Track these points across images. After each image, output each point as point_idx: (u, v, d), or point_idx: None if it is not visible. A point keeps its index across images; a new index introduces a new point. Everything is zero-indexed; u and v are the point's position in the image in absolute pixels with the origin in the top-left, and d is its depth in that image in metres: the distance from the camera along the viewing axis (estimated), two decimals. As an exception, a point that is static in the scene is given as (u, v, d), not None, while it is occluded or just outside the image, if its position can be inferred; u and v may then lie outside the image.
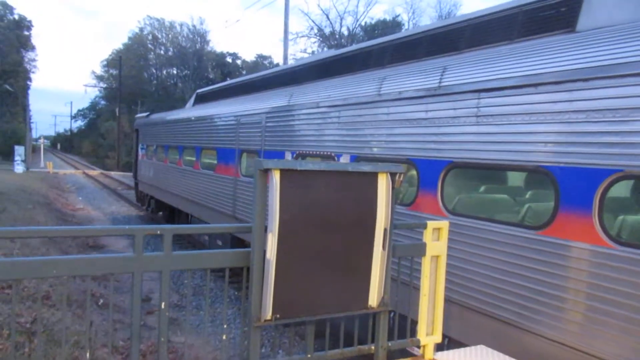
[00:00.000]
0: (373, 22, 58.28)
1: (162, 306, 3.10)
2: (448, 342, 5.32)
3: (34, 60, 73.62)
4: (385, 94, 6.23)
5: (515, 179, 5.31)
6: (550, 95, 4.30)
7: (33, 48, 72.37)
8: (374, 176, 3.53)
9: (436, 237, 4.16)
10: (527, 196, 5.06)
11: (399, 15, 59.83)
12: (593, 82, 3.99)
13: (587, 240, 4.01)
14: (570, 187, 4.14)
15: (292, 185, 3.21)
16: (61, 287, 8.03)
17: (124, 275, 6.79)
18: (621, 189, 4.04)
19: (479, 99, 4.96)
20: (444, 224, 4.16)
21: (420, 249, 4.07)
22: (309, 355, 3.64)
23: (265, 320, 3.24)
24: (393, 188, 3.58)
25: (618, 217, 4.06)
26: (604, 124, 3.91)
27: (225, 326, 3.33)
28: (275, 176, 3.15)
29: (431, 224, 4.09)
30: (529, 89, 4.48)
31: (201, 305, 10.17)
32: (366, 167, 3.50)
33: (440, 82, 5.46)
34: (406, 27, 55.86)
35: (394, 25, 55.94)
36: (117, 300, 9.65)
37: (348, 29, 57.60)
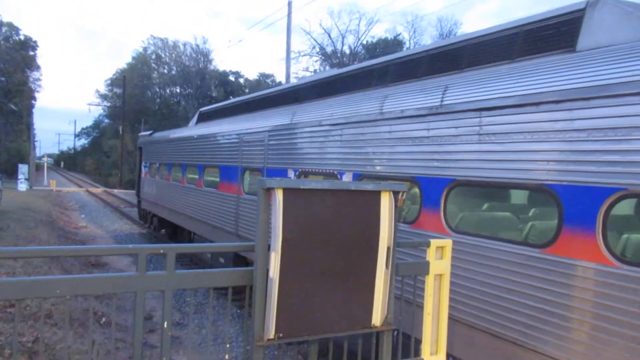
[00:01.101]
0: (375, 40, 58.87)
1: (165, 325, 3.09)
2: (452, 361, 5.27)
3: (38, 79, 74.20)
4: (388, 112, 6.27)
5: (518, 197, 5.31)
6: (551, 114, 4.33)
7: (38, 68, 73.02)
8: (377, 195, 3.54)
9: (439, 256, 4.16)
10: (531, 214, 5.05)
11: (400, 34, 60.40)
12: (593, 102, 4.02)
13: (591, 259, 4.00)
14: (573, 206, 4.14)
15: (295, 204, 3.22)
16: (63, 306, 8.01)
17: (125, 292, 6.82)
18: (625, 207, 4.04)
19: (480, 117, 4.99)
20: (448, 242, 4.16)
21: (424, 268, 4.06)
22: (312, 376, 3.62)
23: (269, 340, 3.23)
24: (396, 207, 3.59)
25: (622, 235, 4.05)
26: (605, 142, 3.93)
27: (227, 345, 3.30)
28: (279, 195, 3.17)
29: (435, 242, 4.09)
30: (530, 108, 4.51)
31: (203, 324, 10.11)
32: (369, 186, 3.51)
33: (442, 101, 5.50)
34: (407, 45, 56.37)
35: (395, 44, 56.44)
36: (119, 319, 9.60)
37: (350, 47, 58.21)
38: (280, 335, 3.26)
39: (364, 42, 58.29)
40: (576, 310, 4.13)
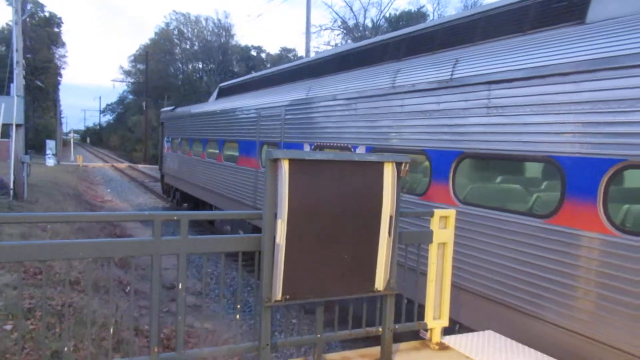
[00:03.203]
0: (397, 13, 57.91)
1: (180, 287, 3.32)
2: (459, 329, 5.44)
3: (64, 56, 75.29)
4: (400, 86, 6.34)
5: (525, 168, 5.38)
6: (558, 87, 4.37)
7: (63, 44, 74.06)
8: (380, 165, 3.67)
9: (443, 225, 4.29)
10: (536, 186, 5.13)
11: (423, 6, 59.32)
12: (598, 74, 4.06)
13: (592, 229, 4.09)
14: (575, 177, 4.22)
15: (300, 174, 3.38)
16: (89, 273, 8.41)
17: (148, 263, 7.15)
18: (625, 178, 4.11)
19: (489, 90, 5.05)
20: (451, 212, 4.29)
21: (427, 237, 4.21)
22: (318, 336, 3.83)
23: (276, 301, 3.43)
24: (399, 177, 3.72)
25: (622, 205, 4.13)
26: (608, 114, 3.98)
27: (238, 306, 3.53)
28: (285, 165, 3.33)
29: (438, 212, 4.22)
30: (537, 81, 4.56)
31: (222, 292, 10.49)
32: (372, 157, 3.65)
33: (452, 74, 5.56)
34: (431, 18, 55.31)
35: (419, 16, 55.40)
36: (142, 287, 10.02)
37: (372, 20, 57.34)
38: (287, 297, 3.46)
39: (387, 15, 57.38)
40: (577, 278, 4.24)
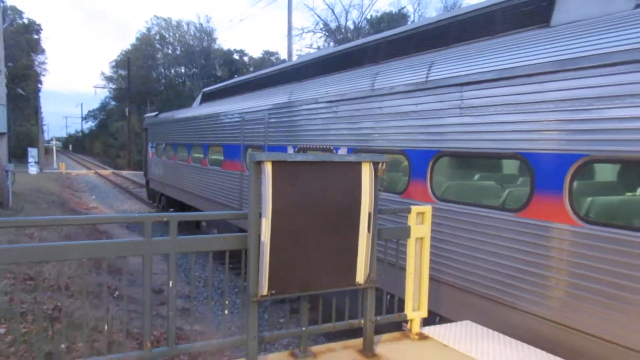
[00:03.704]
0: (379, 15, 58.36)
1: (170, 284, 3.49)
2: (440, 320, 5.67)
3: (43, 63, 74.50)
4: (378, 89, 6.58)
5: (497, 165, 5.63)
6: (524, 87, 4.63)
7: (43, 51, 73.24)
8: (358, 165, 3.89)
9: (420, 221, 4.52)
10: (508, 181, 5.39)
11: (404, 7, 59.82)
12: (560, 74, 4.32)
13: (559, 220, 4.35)
14: (543, 172, 4.48)
15: (283, 175, 3.57)
16: (79, 279, 8.52)
17: (137, 269, 7.28)
18: (588, 172, 4.38)
19: (462, 91, 5.30)
20: (427, 209, 4.51)
21: (405, 232, 4.43)
22: (303, 328, 4.03)
23: (262, 296, 3.62)
24: (376, 176, 3.94)
25: (586, 198, 4.39)
26: (571, 112, 4.24)
27: (226, 302, 3.71)
28: (268, 167, 3.52)
29: (415, 209, 4.45)
30: (505, 82, 4.82)
31: (210, 294, 10.63)
32: (351, 157, 3.86)
33: (427, 77, 5.80)
34: (412, 19, 55.87)
35: (400, 17, 55.90)
36: (132, 293, 10.12)
37: (354, 22, 57.71)
38: (273, 292, 3.65)
39: (368, 17, 57.82)
40: (547, 267, 4.50)
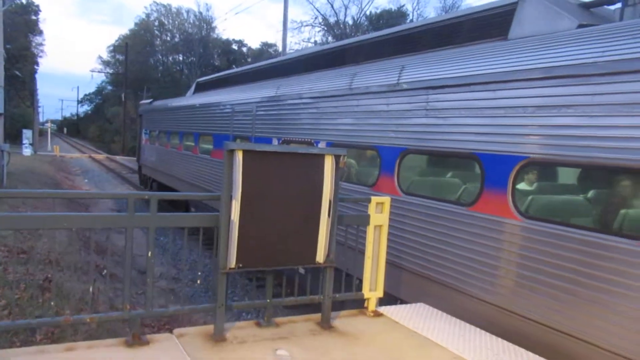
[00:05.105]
0: (378, 11, 58.67)
1: (149, 254, 3.97)
2: (399, 303, 6.18)
3: (41, 44, 74.30)
4: (356, 88, 7.06)
5: (456, 163, 6.13)
6: (480, 94, 5.13)
7: (40, 32, 73.07)
8: (321, 157, 4.37)
9: (380, 210, 5.00)
10: (464, 178, 5.89)
11: (403, 5, 60.17)
12: (509, 84, 4.82)
13: (503, 215, 4.86)
14: (491, 171, 4.99)
15: (252, 163, 4.04)
16: (69, 256, 8.97)
17: (122, 251, 7.75)
18: (528, 172, 4.88)
19: (427, 95, 5.79)
20: (386, 199, 5.00)
21: (364, 219, 4.92)
22: (268, 300, 4.52)
23: (230, 268, 4.11)
24: (337, 168, 4.42)
25: (526, 195, 4.90)
26: (517, 118, 4.74)
27: (199, 273, 4.18)
28: (239, 155, 3.99)
29: (375, 199, 4.94)
30: (463, 88, 5.31)
31: (195, 279, 11.12)
32: (314, 150, 4.35)
33: (398, 79, 6.28)
34: (410, 17, 56.23)
35: (399, 15, 56.21)
36: (117, 272, 10.58)
37: (353, 18, 58.01)
38: (240, 265, 4.13)
39: (367, 14, 58.13)
40: (492, 257, 5.00)
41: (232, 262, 4.08)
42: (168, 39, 79.20)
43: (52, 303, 4.61)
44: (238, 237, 4.05)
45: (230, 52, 76.39)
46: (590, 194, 4.67)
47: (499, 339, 4.52)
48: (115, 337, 4.07)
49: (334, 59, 8.56)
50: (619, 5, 5.11)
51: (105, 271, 10.49)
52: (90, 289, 3.93)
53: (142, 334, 3.90)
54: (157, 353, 3.74)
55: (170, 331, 4.12)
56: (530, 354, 4.24)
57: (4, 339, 5.10)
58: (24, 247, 7.74)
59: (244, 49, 78.81)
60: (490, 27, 5.76)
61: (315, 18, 57.54)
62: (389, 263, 5.40)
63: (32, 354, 3.50)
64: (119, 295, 9.00)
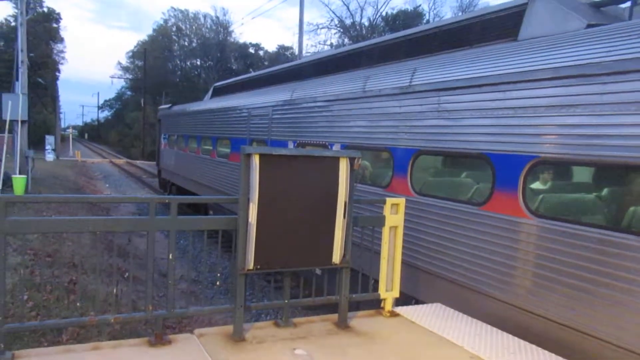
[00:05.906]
0: (394, 12, 58.55)
1: (170, 257, 4.12)
2: (416, 304, 6.25)
3: (62, 51, 75.74)
4: (369, 91, 7.16)
5: (467, 164, 6.19)
6: (490, 95, 5.19)
7: (62, 40, 74.49)
8: (336, 160, 4.48)
9: (395, 211, 5.09)
10: (475, 178, 5.95)
11: (420, 6, 59.93)
12: (519, 85, 4.88)
13: (514, 214, 4.92)
14: (502, 170, 5.05)
15: (269, 166, 4.17)
16: (92, 259, 9.21)
17: (144, 254, 7.98)
18: (538, 172, 4.94)
19: (439, 96, 5.86)
20: (401, 201, 5.09)
21: (380, 221, 5.02)
22: (285, 301, 4.64)
23: (249, 270, 4.24)
24: (352, 170, 4.53)
25: (537, 194, 4.95)
26: (526, 118, 4.80)
27: (218, 274, 4.33)
28: (255, 159, 4.13)
29: (390, 200, 5.03)
30: (474, 89, 5.38)
31: (214, 281, 11.32)
32: (329, 153, 4.46)
33: (411, 82, 6.37)
34: (427, 17, 55.99)
35: (415, 16, 56.01)
36: (140, 275, 10.83)
37: (369, 19, 57.98)
38: (258, 266, 4.26)
39: (383, 14, 58.04)
40: (504, 256, 5.06)
41: (250, 264, 4.21)
42: (186, 44, 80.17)
43: (77, 304, 4.80)
44: (256, 239, 4.17)
45: (248, 56, 76.95)
46: (601, 192, 4.71)
47: (515, 338, 4.57)
48: (137, 338, 4.23)
49: (347, 63, 8.68)
50: (629, 3, 5.14)
51: (127, 274, 10.78)
52: (114, 291, 4.10)
53: (164, 334, 4.05)
54: (178, 352, 3.89)
55: (191, 331, 4.27)
56: (546, 351, 4.29)
57: (32, 339, 5.32)
58: (49, 251, 7.99)
59: (261, 52, 79.37)
60: (500, 28, 5.82)
61: (332, 20, 57.85)
62: (404, 263, 5.49)
63: (60, 352, 3.67)
64: (141, 297, 9.24)
